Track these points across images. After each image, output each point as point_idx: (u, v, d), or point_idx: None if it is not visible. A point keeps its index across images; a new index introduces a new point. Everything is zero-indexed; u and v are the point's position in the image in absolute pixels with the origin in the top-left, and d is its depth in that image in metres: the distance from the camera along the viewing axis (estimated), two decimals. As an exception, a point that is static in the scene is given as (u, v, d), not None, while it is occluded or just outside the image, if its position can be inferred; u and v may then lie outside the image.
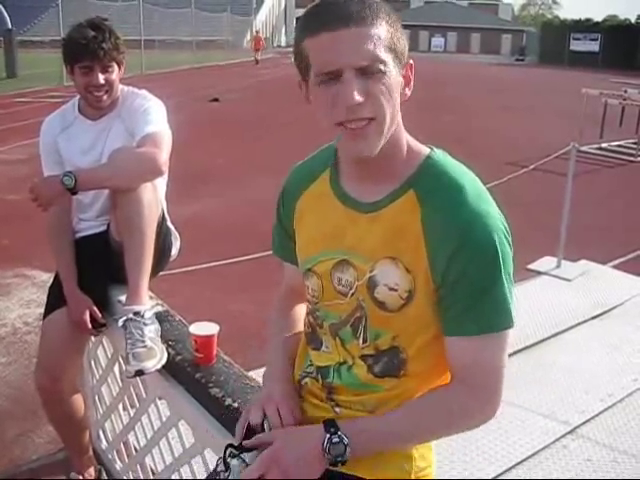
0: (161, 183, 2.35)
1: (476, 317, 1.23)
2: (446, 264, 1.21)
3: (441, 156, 1.30)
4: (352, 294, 1.31)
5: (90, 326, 2.27)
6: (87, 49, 2.22)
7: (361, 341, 1.31)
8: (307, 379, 1.42)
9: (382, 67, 1.16)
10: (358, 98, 1.15)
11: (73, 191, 2.10)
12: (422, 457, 1.36)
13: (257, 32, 36.18)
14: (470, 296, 1.22)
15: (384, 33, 1.17)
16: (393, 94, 1.19)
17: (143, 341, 1.98)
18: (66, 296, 2.29)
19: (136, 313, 2.05)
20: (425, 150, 1.30)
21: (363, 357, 1.32)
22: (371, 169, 1.28)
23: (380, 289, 1.27)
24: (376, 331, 1.30)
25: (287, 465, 1.19)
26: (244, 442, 1.27)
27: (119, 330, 2.30)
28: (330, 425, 1.22)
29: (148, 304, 2.12)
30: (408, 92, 1.25)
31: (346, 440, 1.20)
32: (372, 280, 1.27)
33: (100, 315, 2.29)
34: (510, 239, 1.24)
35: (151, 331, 2.03)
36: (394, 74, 1.18)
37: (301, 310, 1.54)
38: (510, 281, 1.24)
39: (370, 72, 1.15)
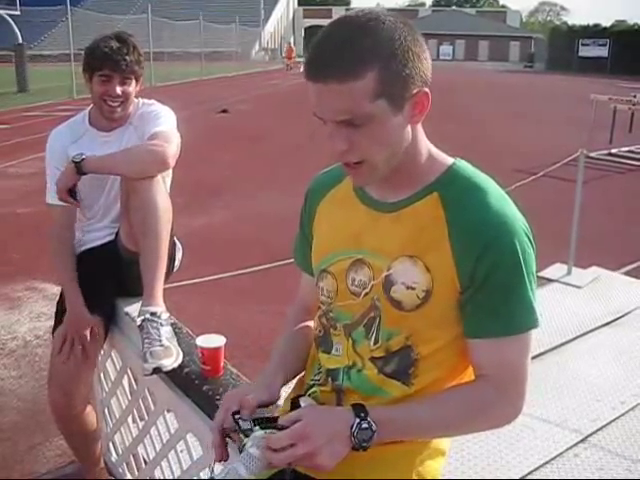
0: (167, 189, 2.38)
1: (503, 318, 1.24)
2: (473, 266, 1.21)
3: (465, 164, 1.32)
4: (365, 294, 1.32)
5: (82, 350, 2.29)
6: (110, 59, 2.27)
7: (372, 342, 1.31)
8: (315, 388, 1.41)
9: (366, 119, 1.16)
10: (340, 147, 1.19)
11: (81, 171, 2.16)
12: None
13: (289, 44, 43.19)
14: (497, 297, 1.23)
15: (370, 83, 1.13)
16: (385, 137, 1.20)
17: (160, 340, 2.01)
18: (67, 305, 2.32)
19: (153, 314, 2.08)
20: (449, 159, 1.33)
21: (373, 360, 1.32)
22: (391, 180, 1.29)
23: (397, 287, 1.27)
24: (389, 331, 1.30)
25: (316, 441, 1.15)
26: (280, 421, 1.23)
27: (128, 342, 2.31)
28: (360, 410, 1.20)
29: (163, 306, 2.14)
30: (421, 118, 1.24)
31: (374, 427, 1.18)
32: (389, 279, 1.28)
33: (97, 333, 2.32)
34: (533, 240, 1.26)
35: (167, 332, 2.06)
36: (386, 118, 1.17)
37: (310, 330, 1.54)
38: (534, 281, 1.26)
39: (353, 124, 1.16)
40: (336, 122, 1.17)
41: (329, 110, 1.17)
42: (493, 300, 1.23)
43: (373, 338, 1.31)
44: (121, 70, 2.28)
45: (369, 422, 1.18)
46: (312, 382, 1.43)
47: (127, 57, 2.28)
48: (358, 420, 1.18)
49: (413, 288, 1.26)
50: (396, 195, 1.31)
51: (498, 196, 1.25)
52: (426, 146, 1.30)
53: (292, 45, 42.47)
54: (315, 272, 1.44)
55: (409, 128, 1.23)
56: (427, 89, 1.21)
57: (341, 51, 1.14)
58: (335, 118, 1.17)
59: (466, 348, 1.30)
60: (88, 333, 2.28)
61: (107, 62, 2.27)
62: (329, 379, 1.38)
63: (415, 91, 1.19)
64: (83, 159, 2.16)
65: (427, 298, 1.25)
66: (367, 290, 1.32)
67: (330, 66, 1.14)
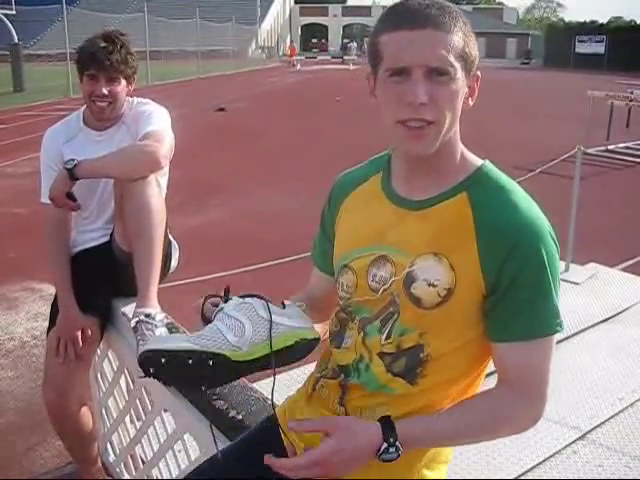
0: (163, 190, 2.37)
1: (528, 321, 1.24)
2: (500, 267, 1.21)
3: (492, 166, 1.33)
4: (384, 290, 1.31)
5: (80, 343, 2.28)
6: (95, 58, 2.27)
7: (384, 337, 1.31)
8: (322, 381, 1.43)
9: (451, 72, 1.19)
10: (423, 98, 1.18)
11: (74, 176, 2.14)
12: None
13: (291, 42, 49.12)
14: (522, 300, 1.22)
15: (458, 41, 1.20)
16: (456, 101, 1.22)
17: None
18: (60, 306, 2.31)
19: (147, 315, 2.07)
20: (478, 160, 1.34)
21: (381, 355, 1.31)
22: (423, 169, 1.30)
23: (418, 284, 1.26)
24: (403, 328, 1.29)
25: (334, 466, 1.19)
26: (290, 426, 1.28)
27: (124, 342, 2.30)
28: (389, 433, 1.21)
29: (158, 307, 2.13)
30: (471, 102, 1.28)
31: (401, 450, 1.20)
32: (410, 275, 1.27)
33: (89, 334, 2.30)
34: (557, 242, 1.26)
35: (162, 333, 2.05)
36: (460, 82, 1.22)
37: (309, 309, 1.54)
38: (558, 284, 1.25)
39: (438, 75, 1.18)
40: (425, 71, 1.18)
41: (423, 54, 1.18)
42: (519, 303, 1.23)
43: (386, 333, 1.31)
44: (105, 70, 2.27)
45: (397, 447, 1.20)
46: (319, 375, 1.44)
47: (112, 56, 2.26)
48: (386, 445, 1.19)
49: (435, 285, 1.25)
50: (424, 193, 1.31)
51: (525, 198, 1.26)
52: (460, 144, 1.33)
53: (293, 44, 46.56)
54: (336, 268, 1.44)
55: (460, 110, 1.26)
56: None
57: (435, 5, 1.21)
58: (429, 63, 1.18)
59: (478, 352, 1.30)
60: (80, 334, 2.27)
61: (92, 62, 2.27)
62: (342, 375, 1.38)
63: (475, 71, 1.26)
64: (75, 165, 2.13)
65: (448, 297, 1.24)
66: (387, 286, 1.31)
67: (429, 14, 1.19)
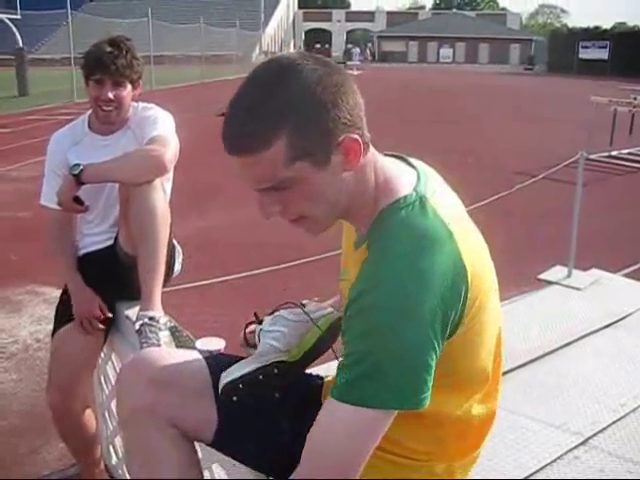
0: (167, 195, 2.38)
1: (345, 381, 1.13)
2: (345, 314, 1.18)
3: (404, 205, 1.19)
4: None
5: (100, 324, 2.30)
6: (100, 63, 2.28)
7: None
8: None
9: (288, 183, 1.13)
10: (273, 210, 1.19)
11: (80, 181, 2.15)
12: None
13: (299, 47, 53.50)
14: (349, 356, 1.14)
15: (281, 149, 1.10)
16: (317, 193, 1.16)
17: (159, 345, 2.01)
18: (71, 292, 2.33)
19: (151, 318, 2.09)
20: (397, 194, 1.22)
21: None
22: (352, 218, 1.31)
23: None
24: None
25: None
26: None
27: (128, 345, 2.31)
28: None
29: (162, 310, 2.15)
30: (356, 162, 1.16)
31: None
32: None
33: (107, 310, 2.34)
34: (421, 315, 1.09)
35: (166, 336, 2.08)
36: (311, 176, 1.14)
37: None
38: (401, 362, 1.10)
39: (275, 191, 1.15)
40: (259, 190, 1.17)
41: (249, 181, 1.16)
42: (346, 356, 1.15)
43: None
44: (110, 74, 2.29)
45: None
46: None
47: (117, 61, 2.28)
48: None
49: None
50: (361, 231, 1.30)
51: (410, 250, 1.12)
52: (371, 186, 1.22)
53: (299, 49, 49.92)
54: None
55: (345, 175, 1.17)
56: (354, 134, 1.14)
57: (246, 124, 1.11)
58: (255, 187, 1.16)
59: (454, 384, 1.28)
60: (98, 310, 2.30)
61: (98, 66, 2.29)
62: None
63: (340, 139, 1.13)
64: (81, 170, 2.15)
65: None
66: None
67: (238, 141, 1.13)
